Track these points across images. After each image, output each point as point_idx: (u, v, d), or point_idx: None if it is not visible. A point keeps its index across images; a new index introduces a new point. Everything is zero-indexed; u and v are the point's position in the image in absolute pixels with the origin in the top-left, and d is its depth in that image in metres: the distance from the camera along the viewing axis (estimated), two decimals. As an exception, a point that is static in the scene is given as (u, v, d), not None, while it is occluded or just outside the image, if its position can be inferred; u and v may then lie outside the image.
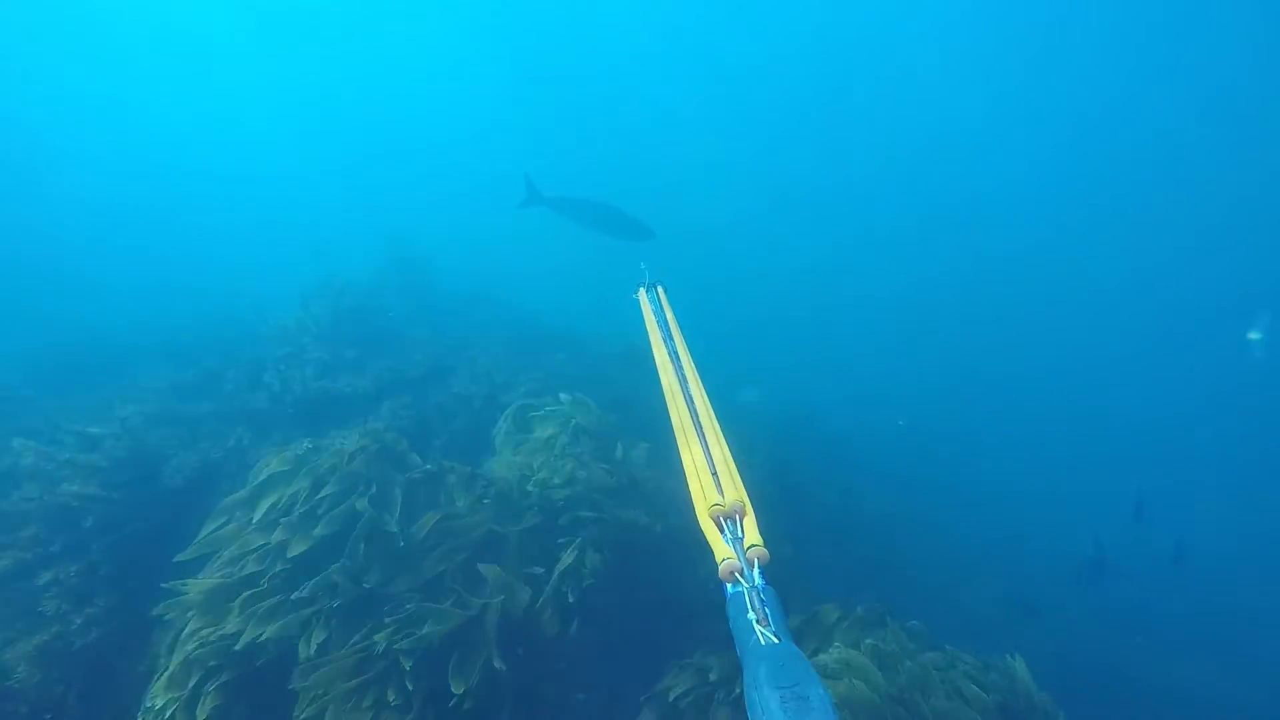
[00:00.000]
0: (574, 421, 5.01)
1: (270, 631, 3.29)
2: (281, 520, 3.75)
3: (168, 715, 3.06)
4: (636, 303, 2.61)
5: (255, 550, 3.67)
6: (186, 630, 3.38)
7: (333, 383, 6.18)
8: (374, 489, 3.93)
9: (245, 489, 4.06)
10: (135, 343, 7.78)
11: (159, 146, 26.60)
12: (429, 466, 4.21)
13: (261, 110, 31.52)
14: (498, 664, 3.40)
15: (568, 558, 4.07)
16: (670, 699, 3.89)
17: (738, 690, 3.83)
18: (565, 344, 8.06)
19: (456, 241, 14.76)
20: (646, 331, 2.40)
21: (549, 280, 12.83)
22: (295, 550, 3.63)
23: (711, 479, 1.78)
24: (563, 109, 30.63)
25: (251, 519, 3.82)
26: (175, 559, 3.73)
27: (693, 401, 2.01)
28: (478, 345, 7.28)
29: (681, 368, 2.12)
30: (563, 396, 5.41)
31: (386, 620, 3.42)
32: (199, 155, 26.47)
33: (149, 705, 3.13)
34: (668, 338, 2.26)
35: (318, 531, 3.70)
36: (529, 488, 4.37)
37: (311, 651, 3.25)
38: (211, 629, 3.33)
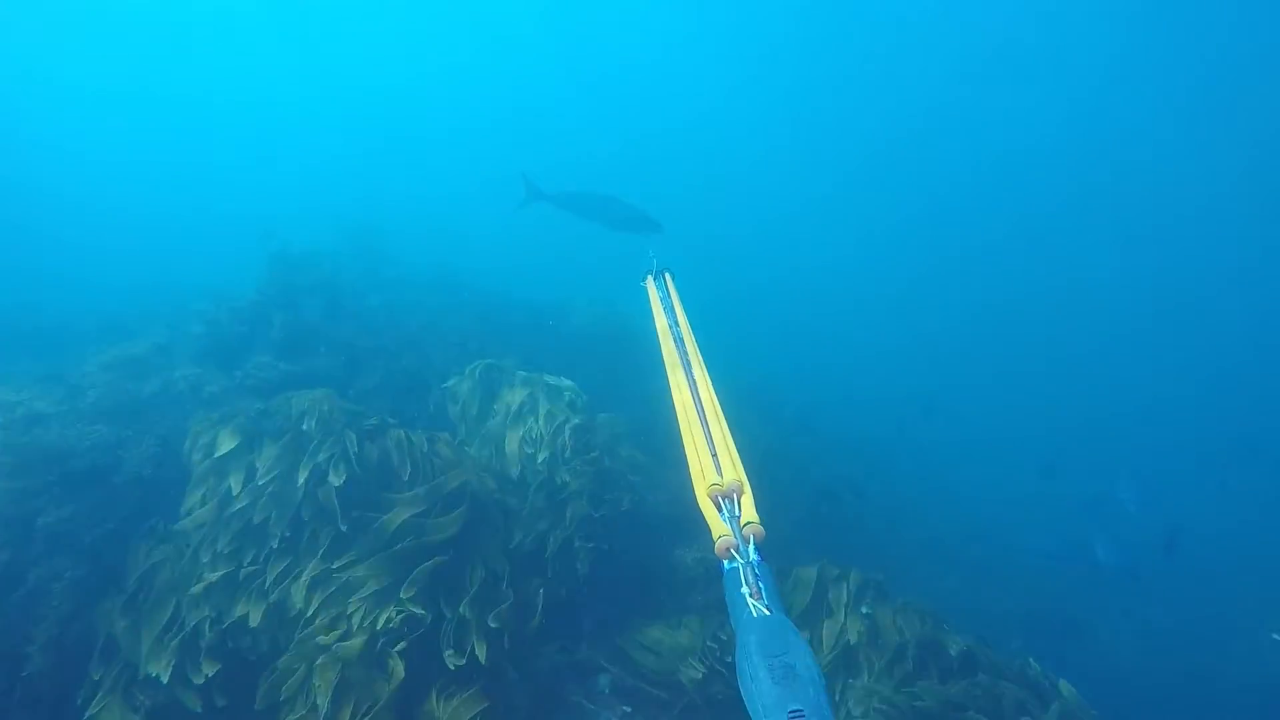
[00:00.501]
0: (565, 396, 4.95)
1: (255, 610, 3.29)
2: (259, 501, 3.65)
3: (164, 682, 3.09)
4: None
5: (230, 534, 3.58)
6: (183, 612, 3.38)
7: (292, 362, 6.03)
8: (341, 463, 3.82)
9: (204, 464, 3.91)
10: (71, 321, 7.50)
11: (105, 131, 25.79)
12: (414, 439, 4.10)
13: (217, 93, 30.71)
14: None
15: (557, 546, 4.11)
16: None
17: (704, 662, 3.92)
18: (540, 322, 8.02)
19: (425, 227, 14.63)
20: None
21: (525, 263, 12.77)
22: (275, 534, 3.56)
23: (711, 459, 1.86)
24: (547, 103, 30.62)
25: (221, 498, 3.71)
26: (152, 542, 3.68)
27: (695, 384, 2.10)
28: (448, 323, 7.20)
29: (686, 352, 2.23)
30: (548, 379, 5.32)
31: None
32: (142, 139, 25.69)
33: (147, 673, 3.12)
34: (674, 324, 2.36)
35: (287, 512, 3.62)
36: (533, 474, 4.34)
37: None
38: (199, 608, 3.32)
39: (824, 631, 4.06)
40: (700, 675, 3.90)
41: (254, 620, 3.27)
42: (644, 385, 7.43)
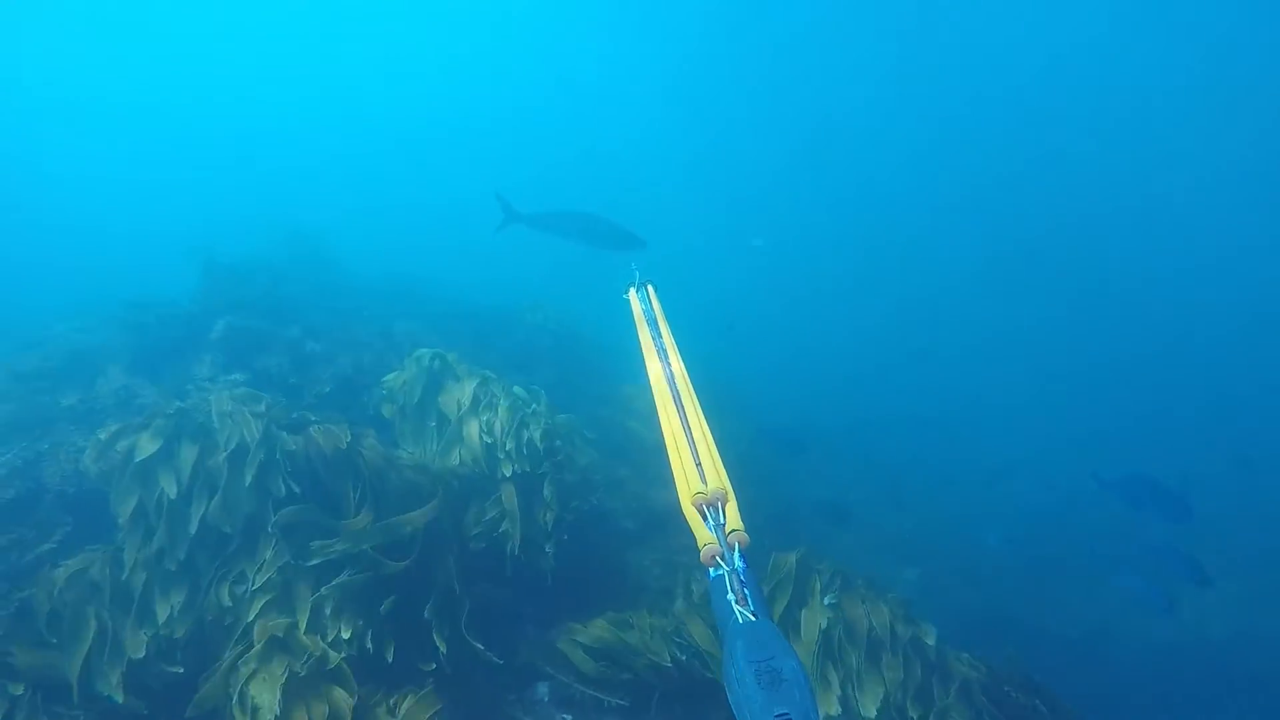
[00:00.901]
0: (530, 403, 4.85)
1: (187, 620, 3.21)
2: (189, 506, 3.46)
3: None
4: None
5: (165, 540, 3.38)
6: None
7: (233, 369, 5.77)
8: (275, 465, 3.64)
9: (127, 471, 3.67)
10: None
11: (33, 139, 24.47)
12: (337, 431, 3.91)
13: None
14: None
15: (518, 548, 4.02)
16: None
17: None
18: (496, 326, 7.92)
19: (379, 236, 14.31)
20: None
21: (480, 271, 12.58)
22: (209, 540, 3.39)
23: (695, 468, 1.92)
24: (505, 112, 30.37)
25: (153, 505, 3.47)
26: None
27: (679, 394, 2.17)
28: (401, 329, 7.03)
29: (669, 362, 2.29)
30: (517, 389, 5.18)
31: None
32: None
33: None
34: (656, 335, 2.43)
35: (219, 517, 3.45)
36: (491, 468, 4.24)
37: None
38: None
39: (803, 621, 4.04)
40: (650, 674, 3.80)
41: (178, 632, 3.14)
42: (598, 386, 7.44)
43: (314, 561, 3.39)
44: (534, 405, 4.85)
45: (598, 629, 3.91)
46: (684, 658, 3.89)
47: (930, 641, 4.15)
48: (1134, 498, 7.15)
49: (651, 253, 7.21)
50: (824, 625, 3.96)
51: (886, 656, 3.91)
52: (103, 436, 3.77)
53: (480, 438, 4.27)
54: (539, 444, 4.50)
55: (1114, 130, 25.47)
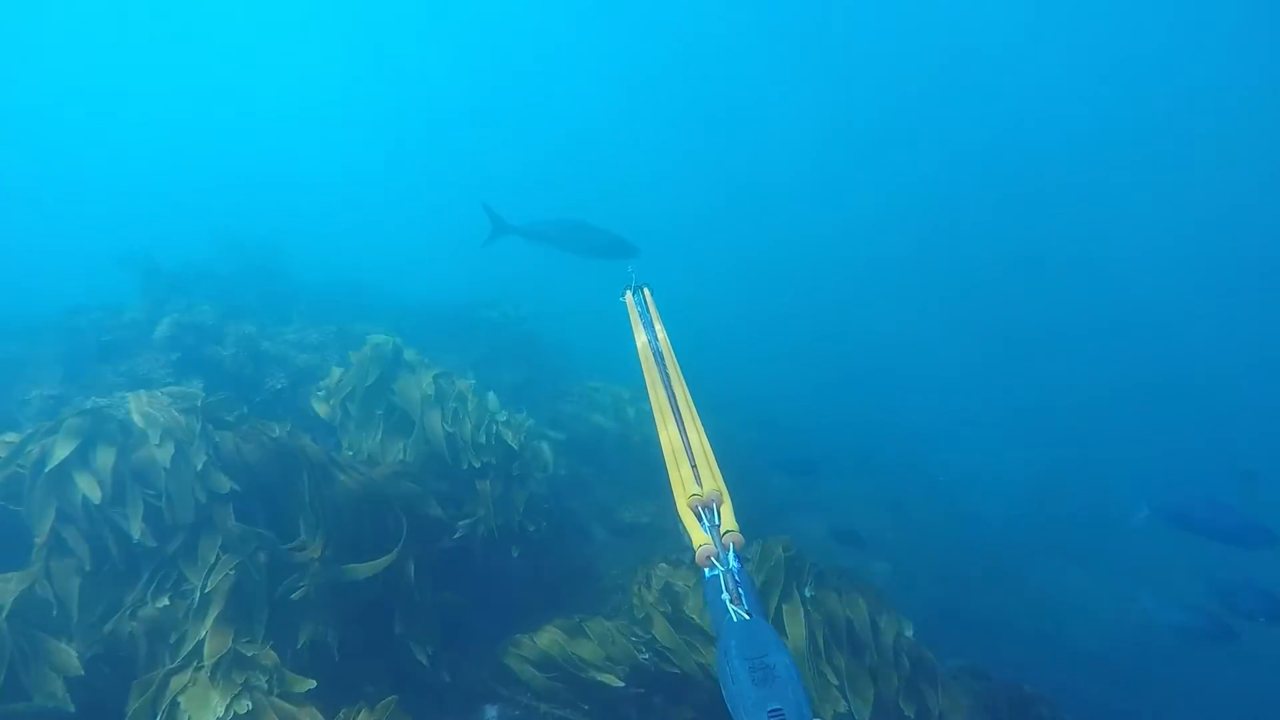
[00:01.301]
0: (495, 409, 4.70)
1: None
2: (121, 511, 3.19)
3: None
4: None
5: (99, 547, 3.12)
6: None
7: (181, 374, 5.46)
8: (215, 465, 3.40)
9: (42, 481, 3.35)
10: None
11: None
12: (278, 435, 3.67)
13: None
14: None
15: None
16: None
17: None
18: (456, 327, 7.74)
19: (333, 238, 13.90)
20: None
21: (440, 272, 12.30)
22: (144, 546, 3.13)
23: (691, 470, 1.96)
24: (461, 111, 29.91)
25: (76, 513, 3.18)
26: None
27: (674, 397, 2.20)
28: (358, 329, 6.79)
29: (665, 364, 2.32)
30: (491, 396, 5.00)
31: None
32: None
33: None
34: (652, 338, 2.47)
35: (154, 522, 3.20)
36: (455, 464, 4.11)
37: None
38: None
39: (785, 616, 3.94)
40: (611, 687, 3.60)
41: (105, 646, 2.90)
42: (562, 382, 7.35)
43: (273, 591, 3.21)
44: (505, 413, 4.73)
45: (545, 640, 3.70)
46: (647, 656, 3.73)
47: (909, 634, 4.11)
48: (1210, 528, 6.28)
49: (644, 258, 7.11)
50: (816, 617, 3.88)
51: (871, 653, 3.84)
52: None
53: (442, 427, 4.08)
54: (511, 444, 4.40)
55: (1105, 144, 25.57)
